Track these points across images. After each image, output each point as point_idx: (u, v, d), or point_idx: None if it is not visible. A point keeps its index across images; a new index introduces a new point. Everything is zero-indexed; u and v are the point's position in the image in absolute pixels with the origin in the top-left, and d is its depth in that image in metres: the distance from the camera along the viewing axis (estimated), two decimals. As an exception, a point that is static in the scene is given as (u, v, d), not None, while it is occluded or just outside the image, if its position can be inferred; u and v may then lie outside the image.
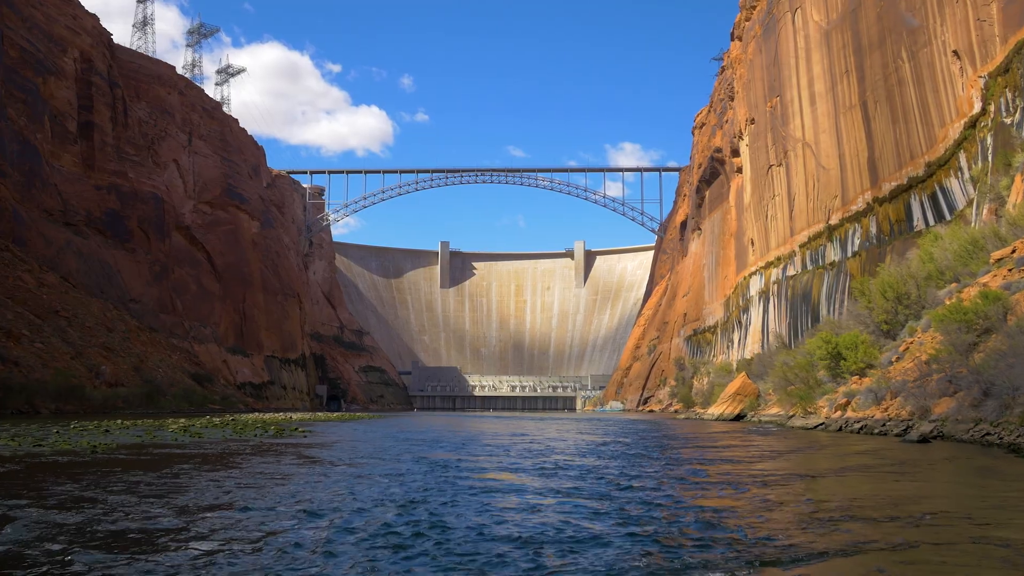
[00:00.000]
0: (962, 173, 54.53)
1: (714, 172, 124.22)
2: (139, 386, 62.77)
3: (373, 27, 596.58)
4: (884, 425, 25.07)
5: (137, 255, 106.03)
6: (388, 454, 21.48)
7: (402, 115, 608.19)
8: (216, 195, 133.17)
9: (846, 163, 72.57)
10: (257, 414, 69.17)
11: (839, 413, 30.83)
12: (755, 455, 21.44)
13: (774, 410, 44.63)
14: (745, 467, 17.90)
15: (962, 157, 54.26)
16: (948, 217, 56.08)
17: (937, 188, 58.49)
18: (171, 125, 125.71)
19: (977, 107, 50.96)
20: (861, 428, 26.64)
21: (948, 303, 26.82)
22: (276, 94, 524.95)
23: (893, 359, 31.27)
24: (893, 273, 38.69)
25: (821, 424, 31.70)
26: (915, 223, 61.64)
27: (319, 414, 79.95)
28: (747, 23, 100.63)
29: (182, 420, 39.56)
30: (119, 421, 38.07)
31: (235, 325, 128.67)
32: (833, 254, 74.84)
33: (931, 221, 59.25)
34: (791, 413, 38.03)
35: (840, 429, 29.02)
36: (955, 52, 53.98)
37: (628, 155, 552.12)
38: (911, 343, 30.82)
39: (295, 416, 64.48)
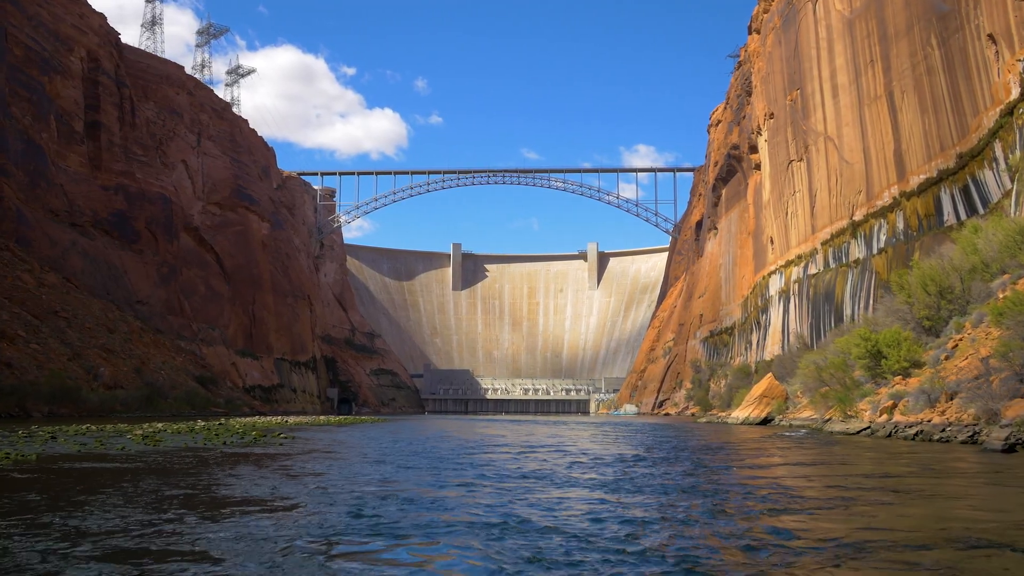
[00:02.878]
0: (997, 163, 51.76)
1: (731, 170, 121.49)
2: (139, 388, 60.97)
3: (387, 29, 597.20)
4: (944, 431, 22.40)
5: (144, 256, 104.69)
6: (332, 476, 16.49)
7: (416, 118, 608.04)
8: (225, 196, 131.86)
9: (871, 156, 69.84)
10: (258, 417, 67.37)
11: (885, 417, 28.24)
12: (852, 482, 15.30)
13: (806, 413, 41.89)
14: (874, 514, 11.08)
15: (997, 147, 51.48)
16: (981, 210, 53.33)
17: (969, 180, 55.72)
18: (179, 125, 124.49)
19: (1015, 93, 48.19)
20: (916, 434, 23.88)
21: (1003, 295, 24.37)
22: (290, 97, 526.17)
23: (942, 357, 28.68)
24: (934, 266, 36.08)
25: (865, 428, 29.02)
26: (945, 217, 58.89)
27: (321, 418, 77.81)
28: (765, 15, 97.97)
29: (159, 424, 37.24)
30: (86, 426, 35.40)
31: (244, 327, 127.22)
32: (857, 251, 72.07)
33: (963, 215, 56.49)
34: (827, 416, 35.39)
35: (890, 435, 26.21)
36: (990, 36, 51.24)
37: (643, 157, 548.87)
38: (960, 339, 28.28)
39: (292, 420, 62.34)
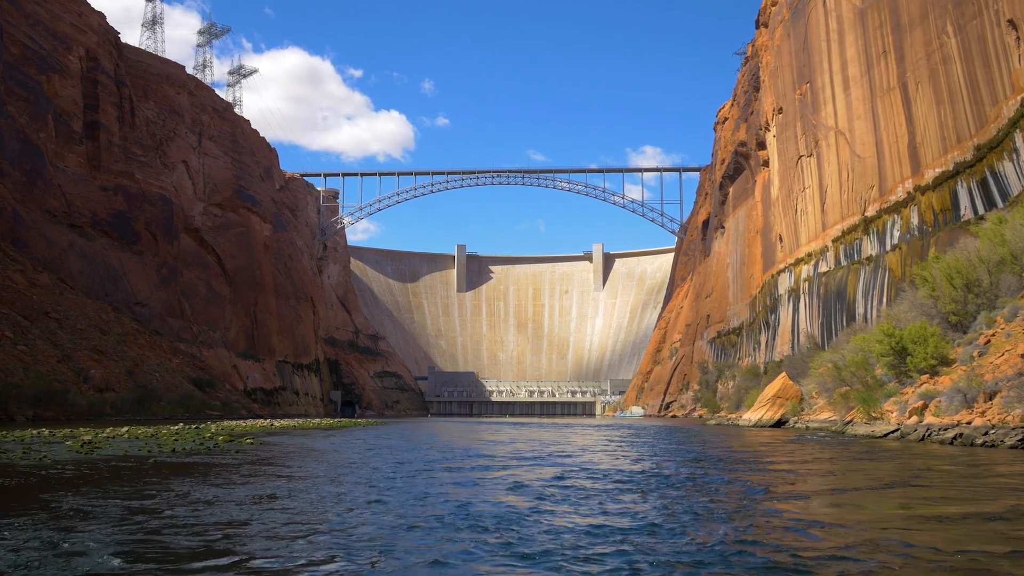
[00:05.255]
0: (1018, 154, 49.83)
1: (738, 167, 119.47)
2: (131, 391, 59.37)
3: (393, 31, 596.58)
4: (987, 434, 20.38)
5: (144, 257, 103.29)
6: (184, 518, 11.66)
7: (423, 120, 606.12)
8: (227, 197, 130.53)
9: (884, 150, 67.91)
10: (250, 420, 65.73)
11: (914, 419, 26.28)
12: (1016, 530, 10.20)
13: (824, 415, 39.92)
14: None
15: (1018, 137, 49.56)
16: (1000, 204, 51.39)
17: (988, 173, 53.78)
18: (180, 125, 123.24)
19: (1037, 80, 46.28)
20: (955, 437, 21.79)
21: (1040, 286, 22.68)
22: (297, 99, 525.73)
23: (974, 354, 26.80)
24: (959, 258, 34.17)
25: (894, 431, 27.00)
26: (962, 212, 56.95)
27: (313, 421, 75.91)
28: (773, 8, 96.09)
29: (123, 429, 35.16)
30: (38, 430, 32.97)
31: (246, 329, 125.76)
32: (870, 248, 70.14)
33: (981, 209, 54.57)
34: (848, 418, 33.49)
35: (923, 438, 24.11)
36: (1010, 21, 49.30)
37: (649, 159, 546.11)
38: (993, 335, 26.44)
39: (279, 423, 60.48)
